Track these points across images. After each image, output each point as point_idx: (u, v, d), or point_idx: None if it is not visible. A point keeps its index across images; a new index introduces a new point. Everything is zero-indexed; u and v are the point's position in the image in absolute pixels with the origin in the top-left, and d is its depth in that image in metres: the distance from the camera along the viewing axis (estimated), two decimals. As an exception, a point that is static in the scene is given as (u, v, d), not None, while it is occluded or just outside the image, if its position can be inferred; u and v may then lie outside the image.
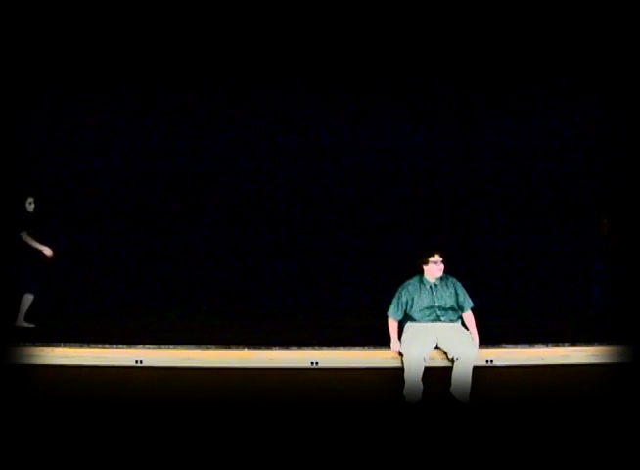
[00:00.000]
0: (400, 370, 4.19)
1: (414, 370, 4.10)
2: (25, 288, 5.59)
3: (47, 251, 5.62)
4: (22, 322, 5.57)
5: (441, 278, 4.45)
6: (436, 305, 4.38)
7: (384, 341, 4.41)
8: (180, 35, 6.88)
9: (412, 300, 4.40)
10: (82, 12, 6.55)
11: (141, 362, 4.28)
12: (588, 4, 6.41)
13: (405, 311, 4.43)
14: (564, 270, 7.12)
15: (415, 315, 4.39)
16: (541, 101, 7.39)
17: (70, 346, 4.41)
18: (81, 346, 4.43)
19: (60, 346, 4.39)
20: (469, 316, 4.44)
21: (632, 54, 6.32)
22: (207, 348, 4.44)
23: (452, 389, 4.11)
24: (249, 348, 4.43)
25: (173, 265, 7.42)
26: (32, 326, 5.56)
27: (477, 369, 4.15)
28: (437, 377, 4.16)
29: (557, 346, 4.48)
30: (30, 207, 5.68)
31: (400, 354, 4.25)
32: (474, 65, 7.11)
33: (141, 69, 7.09)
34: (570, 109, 7.33)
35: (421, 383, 4.11)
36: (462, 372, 4.09)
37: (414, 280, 4.49)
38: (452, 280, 4.48)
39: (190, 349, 4.41)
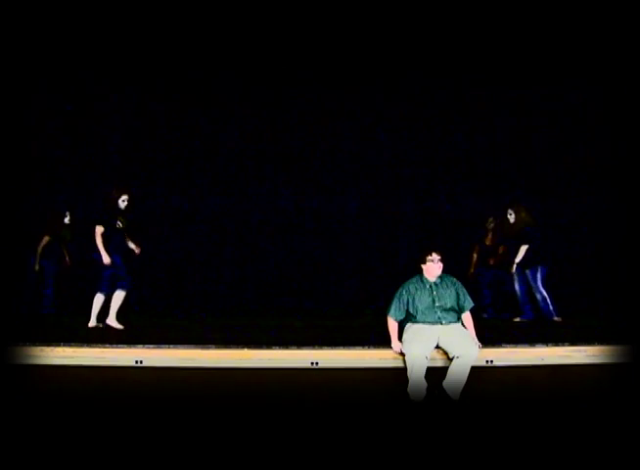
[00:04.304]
0: (401, 370, 4.20)
1: (417, 368, 4.10)
2: (120, 285, 5.48)
3: (137, 249, 5.71)
4: (113, 321, 5.46)
5: (441, 278, 4.45)
6: (437, 305, 4.37)
7: (384, 341, 4.41)
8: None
9: (413, 299, 4.40)
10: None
11: (141, 362, 4.28)
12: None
13: (407, 311, 4.42)
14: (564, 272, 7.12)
15: (416, 316, 4.39)
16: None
17: (70, 346, 4.41)
18: (81, 346, 4.43)
19: (60, 346, 4.39)
20: (467, 316, 4.45)
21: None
22: (207, 348, 4.44)
23: (445, 383, 4.10)
24: (249, 348, 4.42)
25: (173, 266, 7.43)
26: (122, 327, 5.43)
27: (476, 369, 4.15)
28: (438, 377, 4.15)
29: (557, 346, 4.48)
30: (123, 204, 5.59)
31: (402, 354, 4.24)
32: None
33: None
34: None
35: (424, 381, 4.11)
36: (459, 369, 4.09)
37: (414, 280, 4.49)
38: (452, 280, 4.48)
39: (190, 349, 4.41)
